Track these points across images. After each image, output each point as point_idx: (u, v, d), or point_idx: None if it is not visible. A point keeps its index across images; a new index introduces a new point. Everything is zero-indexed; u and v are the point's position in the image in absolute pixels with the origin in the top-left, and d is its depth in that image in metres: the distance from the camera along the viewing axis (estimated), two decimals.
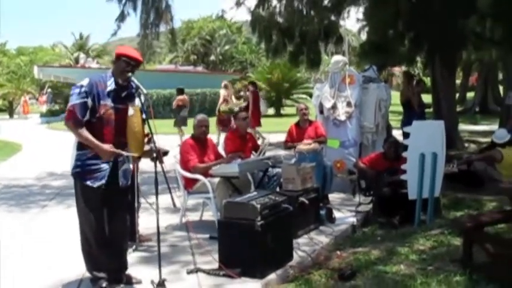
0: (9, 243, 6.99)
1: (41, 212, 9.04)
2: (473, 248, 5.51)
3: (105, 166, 5.02)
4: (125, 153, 5.07)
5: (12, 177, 12.76)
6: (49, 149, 19.57)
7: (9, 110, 45.94)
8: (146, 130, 5.25)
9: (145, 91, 5.16)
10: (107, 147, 4.94)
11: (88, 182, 4.99)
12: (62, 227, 7.86)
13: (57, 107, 45.21)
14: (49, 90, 42.90)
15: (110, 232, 5.15)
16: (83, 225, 5.14)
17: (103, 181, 5.02)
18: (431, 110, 14.14)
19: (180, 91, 19.44)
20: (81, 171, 5.02)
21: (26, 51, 73.44)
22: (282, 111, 35.03)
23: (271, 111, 34.96)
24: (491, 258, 5.34)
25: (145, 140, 5.30)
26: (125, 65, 5.04)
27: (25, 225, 8.11)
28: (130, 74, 5.08)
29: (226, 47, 61.74)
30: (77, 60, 54.11)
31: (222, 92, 18.57)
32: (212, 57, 60.89)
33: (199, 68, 49.33)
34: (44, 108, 40.95)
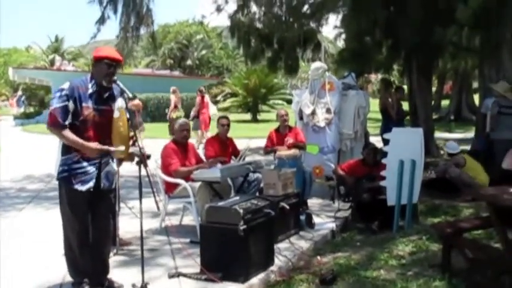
0: None
1: (19, 215, 8.95)
2: (451, 254, 5.60)
3: (92, 169, 5.01)
4: (112, 148, 5.05)
5: None
6: (24, 151, 19.44)
7: None
8: (131, 133, 5.25)
9: (130, 95, 5.16)
10: (93, 144, 4.93)
11: (76, 186, 4.97)
12: (39, 230, 7.83)
13: (31, 109, 44.84)
14: (19, 92, 42.33)
15: (94, 236, 5.14)
16: (67, 229, 5.11)
17: (91, 183, 5.01)
18: (408, 118, 14.29)
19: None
20: (68, 175, 4.98)
21: (0, 52, 72.70)
22: (258, 117, 35.09)
23: (247, 116, 35.01)
24: (470, 264, 5.42)
25: (130, 142, 5.29)
26: (106, 67, 5.01)
27: (2, 228, 8.01)
28: (113, 75, 5.06)
29: (203, 52, 61.73)
30: (52, 63, 53.63)
31: (172, 98, 18.87)
32: (189, 62, 60.83)
33: (176, 73, 49.23)
34: (15, 110, 40.24)
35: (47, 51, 65.08)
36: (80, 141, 4.90)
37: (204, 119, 18.25)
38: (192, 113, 18.86)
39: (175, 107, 18.66)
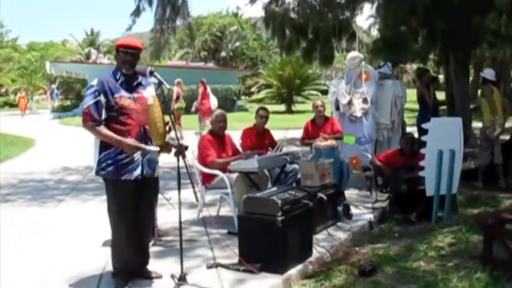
0: (29, 238, 7.06)
1: (59, 206, 9.08)
2: (493, 245, 5.51)
3: (137, 155, 5.04)
4: (148, 147, 5.08)
5: (28, 171, 12.81)
6: (62, 144, 19.69)
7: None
8: (166, 119, 5.26)
9: (168, 86, 5.19)
10: (130, 141, 4.96)
11: (124, 177, 4.99)
12: (79, 221, 7.97)
13: (68, 102, 45.38)
14: (53, 86, 42.73)
15: (138, 227, 5.18)
16: (117, 223, 5.09)
17: (138, 171, 5.05)
18: (444, 107, 14.10)
19: None
20: (115, 168, 4.99)
21: (37, 46, 73.71)
22: (293, 108, 34.97)
23: (282, 107, 34.92)
24: None
25: (167, 128, 5.28)
26: (123, 55, 5.07)
27: (43, 219, 8.14)
28: (132, 62, 5.09)
29: (237, 44, 61.76)
30: (87, 56, 54.21)
31: (175, 89, 19.18)
32: (223, 54, 60.93)
33: (210, 64, 49.32)
34: (49, 104, 40.58)
35: (82, 45, 65.73)
36: (117, 137, 4.93)
37: (204, 110, 19.04)
38: (195, 104, 19.93)
39: (178, 98, 19.07)
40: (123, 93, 5.03)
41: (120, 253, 5.18)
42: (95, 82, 5.01)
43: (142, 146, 5.03)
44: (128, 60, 5.07)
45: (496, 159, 9.69)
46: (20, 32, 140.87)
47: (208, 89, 19.99)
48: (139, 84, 5.18)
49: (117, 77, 5.08)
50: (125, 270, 5.19)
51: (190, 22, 16.60)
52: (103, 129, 4.93)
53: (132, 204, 5.08)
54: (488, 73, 10.28)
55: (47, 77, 53.20)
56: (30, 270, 5.74)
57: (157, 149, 5.17)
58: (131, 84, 5.12)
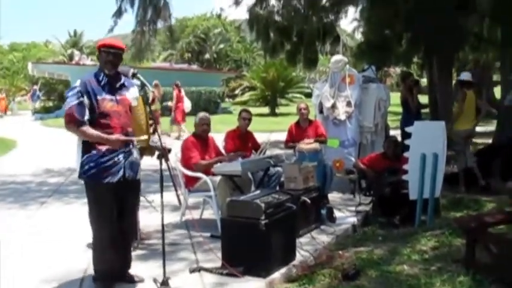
0: (10, 241, 6.95)
1: (40, 209, 9.00)
2: (475, 249, 5.52)
3: (119, 158, 4.99)
4: (134, 138, 5.03)
5: (9, 173, 12.70)
6: (44, 145, 19.52)
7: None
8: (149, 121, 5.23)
9: (151, 88, 5.15)
10: (115, 136, 4.92)
11: (106, 180, 4.94)
12: (61, 223, 7.90)
13: (50, 103, 45.04)
14: (34, 87, 42.25)
15: (121, 229, 5.13)
16: (98, 226, 5.05)
17: (120, 173, 5.00)
18: (427, 110, 14.17)
19: None
20: (97, 171, 4.93)
21: (19, 47, 73.18)
22: (276, 111, 34.97)
23: (266, 110, 34.93)
24: (494, 259, 5.34)
25: (151, 129, 5.25)
26: (105, 55, 5.02)
27: (25, 222, 8.07)
28: (114, 63, 5.04)
29: (221, 46, 61.69)
30: (70, 57, 53.80)
31: (154, 92, 19.49)
32: (207, 56, 60.82)
33: (194, 66, 49.23)
34: (30, 105, 40.17)
35: (65, 46, 65.31)
36: (102, 135, 4.89)
37: (178, 112, 19.80)
38: (170, 104, 20.64)
39: (153, 100, 19.12)
40: (106, 95, 4.98)
41: (101, 256, 5.12)
42: (77, 83, 4.95)
43: (128, 138, 4.99)
44: (110, 61, 5.02)
45: (468, 163, 9.77)
46: (1, 33, 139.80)
47: (183, 92, 20.68)
48: (122, 85, 5.14)
49: (100, 78, 5.02)
50: (107, 274, 5.14)
51: (172, 24, 16.52)
52: (88, 129, 4.87)
53: (113, 207, 5.02)
54: (464, 75, 10.55)
55: (29, 78, 52.77)
56: (10, 273, 5.66)
57: (146, 137, 5.12)
58: (114, 85, 5.07)
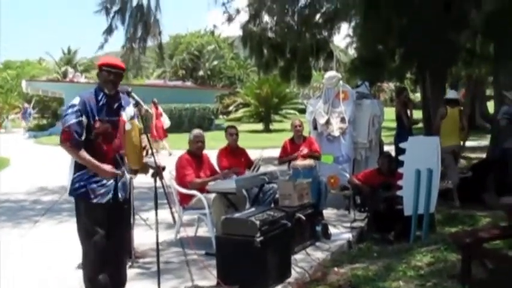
0: (3, 260, 6.91)
1: (33, 228, 8.96)
2: (471, 264, 5.51)
3: (109, 181, 4.97)
4: (126, 172, 5.02)
5: (3, 192, 12.64)
6: (37, 163, 19.47)
7: None
8: (144, 143, 5.21)
9: (146, 107, 5.15)
10: (108, 167, 4.89)
11: (95, 200, 4.91)
12: (54, 242, 7.85)
13: (44, 121, 44.95)
14: (26, 105, 42.05)
15: (111, 249, 5.09)
16: (87, 246, 5.01)
17: (110, 195, 4.97)
18: (419, 125, 14.20)
19: None
20: (86, 190, 4.91)
21: (13, 65, 73.08)
22: (271, 127, 34.98)
23: (260, 126, 34.96)
24: (490, 274, 5.33)
25: (144, 152, 5.24)
26: (106, 74, 4.99)
27: (18, 241, 8.03)
28: (115, 82, 5.02)
29: (215, 62, 61.76)
30: (64, 75, 53.81)
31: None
32: (200, 73, 60.84)
33: (188, 83, 49.29)
34: (22, 124, 39.70)
35: (59, 63, 65.35)
36: (95, 162, 4.85)
37: (157, 129, 20.14)
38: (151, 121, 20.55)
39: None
40: (103, 116, 4.95)
41: (91, 275, 5.07)
42: (76, 101, 4.90)
43: (120, 172, 4.98)
44: (111, 80, 4.99)
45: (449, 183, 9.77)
46: None
47: (160, 109, 21.09)
48: (120, 105, 5.12)
49: (99, 97, 4.99)
50: None
51: (161, 42, 16.56)
52: (82, 153, 4.83)
53: (101, 227, 4.98)
54: (451, 94, 11.15)
55: (23, 95, 52.72)
56: None
57: (134, 176, 5.11)
58: (112, 106, 5.04)
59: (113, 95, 5.04)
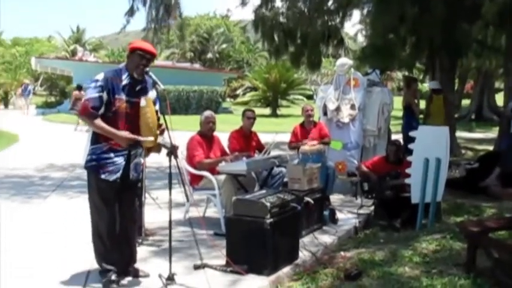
0: (14, 234, 7.03)
1: (44, 203, 9.07)
2: (476, 253, 5.59)
3: (119, 160, 5.07)
4: (141, 138, 5.10)
5: (11, 167, 12.75)
6: (46, 140, 19.56)
7: (5, 101, 45.62)
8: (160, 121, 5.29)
9: (162, 86, 5.21)
10: (124, 133, 4.99)
11: (103, 176, 5.03)
12: (64, 218, 7.95)
13: (52, 98, 44.99)
14: (26, 81, 41.55)
15: (122, 225, 5.21)
16: (95, 218, 5.17)
17: (118, 174, 5.07)
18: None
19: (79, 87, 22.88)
20: (97, 164, 5.05)
21: (22, 42, 73.08)
22: (278, 112, 35.04)
23: (267, 111, 35.00)
24: (495, 263, 5.41)
25: (158, 131, 5.31)
26: (139, 58, 5.07)
27: (29, 216, 8.12)
28: (145, 67, 5.11)
29: (224, 46, 61.70)
30: (73, 53, 53.80)
31: None
32: (209, 55, 60.80)
33: (197, 65, 49.25)
34: (20, 101, 38.71)
35: (68, 42, 65.35)
36: (111, 130, 4.96)
37: None
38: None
39: None
40: (123, 96, 5.05)
41: (101, 249, 5.21)
42: (100, 77, 5.02)
43: (135, 137, 5.05)
44: (143, 64, 5.09)
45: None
46: (4, 27, 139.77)
47: None
48: (143, 89, 5.21)
49: (123, 77, 5.09)
50: (108, 267, 5.17)
51: (182, 23, 16.64)
52: (99, 122, 4.96)
53: (111, 202, 5.12)
54: (432, 84, 13.65)
55: (31, 72, 52.73)
56: (14, 266, 5.72)
57: (152, 139, 5.17)
58: (134, 87, 5.12)
59: (139, 79, 5.14)
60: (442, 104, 12.63)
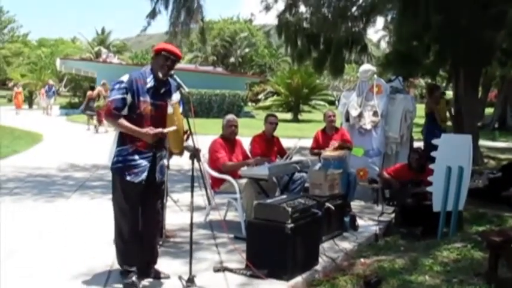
0: (36, 233, 7.12)
1: (65, 203, 9.15)
2: (498, 263, 5.55)
3: (143, 162, 5.12)
4: (165, 130, 5.11)
5: (35, 166, 12.87)
6: (69, 140, 19.74)
7: (29, 101, 46.10)
8: (185, 127, 5.32)
9: (187, 89, 5.25)
10: (147, 129, 5.01)
11: (129, 178, 5.08)
12: (86, 218, 8.02)
13: (76, 99, 45.36)
14: (50, 82, 41.71)
15: (144, 226, 5.26)
16: (119, 219, 5.22)
17: (143, 176, 5.12)
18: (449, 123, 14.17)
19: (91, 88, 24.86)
20: (123, 166, 5.10)
21: (47, 43, 73.96)
22: (299, 117, 35.03)
23: (288, 116, 35.00)
24: None
25: (185, 137, 5.35)
26: (164, 59, 5.11)
27: (51, 215, 8.20)
28: (170, 69, 5.15)
29: (247, 50, 61.86)
30: (97, 55, 54.26)
31: (99, 89, 22.41)
32: (232, 59, 61.00)
33: (219, 69, 49.39)
34: (43, 102, 38.72)
35: (92, 43, 65.93)
36: (135, 128, 5.00)
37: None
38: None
39: (98, 96, 22.16)
40: (148, 98, 5.09)
41: (123, 249, 5.26)
42: (125, 78, 5.07)
43: (159, 130, 5.07)
44: (167, 66, 5.13)
45: None
46: (30, 28, 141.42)
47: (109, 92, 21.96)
48: (167, 91, 5.25)
49: (148, 79, 5.13)
50: (129, 268, 5.21)
51: (204, 26, 16.66)
52: (122, 121, 5.02)
53: (135, 203, 5.18)
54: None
55: (56, 73, 53.31)
56: (37, 266, 5.77)
57: (175, 128, 5.18)
58: (159, 90, 5.17)
59: (163, 80, 5.17)
60: (445, 107, 12.69)
